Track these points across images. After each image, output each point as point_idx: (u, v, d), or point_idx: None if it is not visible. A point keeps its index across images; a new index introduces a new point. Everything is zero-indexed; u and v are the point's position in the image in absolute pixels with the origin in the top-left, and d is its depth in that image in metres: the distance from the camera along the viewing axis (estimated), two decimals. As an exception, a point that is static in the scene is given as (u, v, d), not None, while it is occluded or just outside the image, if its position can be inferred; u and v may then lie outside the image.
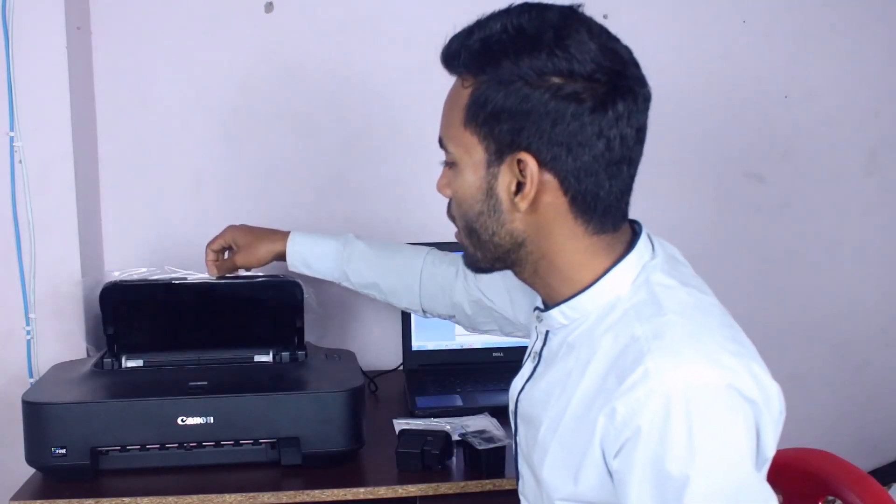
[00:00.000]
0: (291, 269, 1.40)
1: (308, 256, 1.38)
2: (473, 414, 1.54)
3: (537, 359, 0.98)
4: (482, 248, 0.92)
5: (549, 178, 0.85)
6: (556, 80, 0.82)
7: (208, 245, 1.44)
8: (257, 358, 1.50)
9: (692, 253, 1.01)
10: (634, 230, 0.94)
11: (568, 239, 0.89)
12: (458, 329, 1.77)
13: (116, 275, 1.55)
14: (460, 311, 1.31)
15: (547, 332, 0.96)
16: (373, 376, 1.73)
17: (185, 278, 1.52)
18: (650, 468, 0.78)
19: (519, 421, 1.01)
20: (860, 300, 2.07)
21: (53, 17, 1.59)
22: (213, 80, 1.79)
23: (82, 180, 1.67)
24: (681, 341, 0.81)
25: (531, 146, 0.84)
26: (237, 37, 1.79)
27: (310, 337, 1.60)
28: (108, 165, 1.78)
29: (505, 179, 0.87)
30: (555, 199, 0.86)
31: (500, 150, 0.86)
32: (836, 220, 2.03)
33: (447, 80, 0.91)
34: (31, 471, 1.34)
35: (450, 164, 0.92)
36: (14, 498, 1.27)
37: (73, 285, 1.64)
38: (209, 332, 1.53)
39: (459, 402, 1.61)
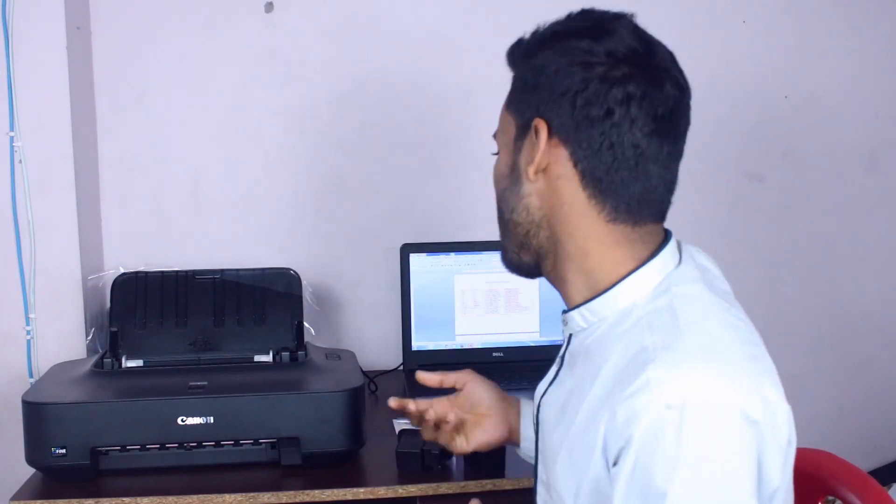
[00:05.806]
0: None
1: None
2: (473, 414, 1.53)
3: (560, 362, 0.96)
4: (506, 234, 0.94)
5: (560, 149, 0.86)
6: (576, 52, 0.85)
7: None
8: (257, 358, 1.50)
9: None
10: (666, 238, 0.91)
11: (582, 220, 0.87)
12: (458, 329, 1.78)
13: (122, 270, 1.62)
14: None
15: (570, 334, 0.95)
16: (373, 376, 1.73)
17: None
18: (637, 479, 0.75)
19: (540, 425, 0.98)
20: (860, 300, 2.07)
21: (53, 17, 1.59)
22: (213, 80, 1.79)
23: (82, 180, 1.67)
24: (688, 354, 0.78)
25: (544, 112, 0.87)
26: (237, 37, 1.79)
27: (309, 336, 1.60)
28: (108, 165, 1.78)
29: (525, 152, 0.89)
30: (565, 170, 0.87)
31: (525, 123, 0.89)
32: (836, 220, 2.03)
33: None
34: (31, 471, 1.34)
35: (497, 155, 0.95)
36: (14, 498, 1.27)
37: (75, 283, 1.64)
38: (212, 323, 1.57)
39: (459, 402, 1.60)
